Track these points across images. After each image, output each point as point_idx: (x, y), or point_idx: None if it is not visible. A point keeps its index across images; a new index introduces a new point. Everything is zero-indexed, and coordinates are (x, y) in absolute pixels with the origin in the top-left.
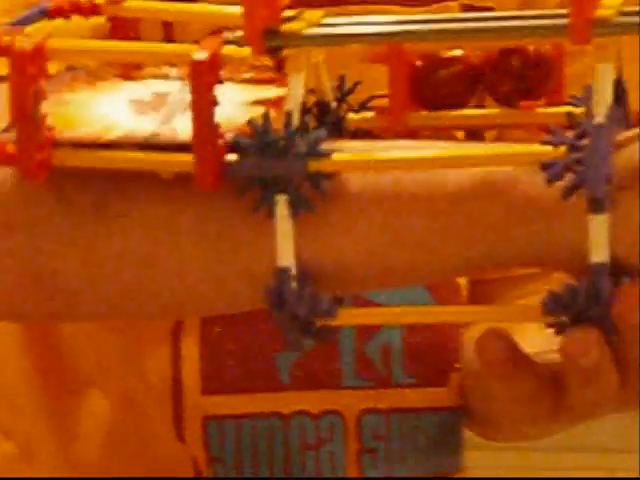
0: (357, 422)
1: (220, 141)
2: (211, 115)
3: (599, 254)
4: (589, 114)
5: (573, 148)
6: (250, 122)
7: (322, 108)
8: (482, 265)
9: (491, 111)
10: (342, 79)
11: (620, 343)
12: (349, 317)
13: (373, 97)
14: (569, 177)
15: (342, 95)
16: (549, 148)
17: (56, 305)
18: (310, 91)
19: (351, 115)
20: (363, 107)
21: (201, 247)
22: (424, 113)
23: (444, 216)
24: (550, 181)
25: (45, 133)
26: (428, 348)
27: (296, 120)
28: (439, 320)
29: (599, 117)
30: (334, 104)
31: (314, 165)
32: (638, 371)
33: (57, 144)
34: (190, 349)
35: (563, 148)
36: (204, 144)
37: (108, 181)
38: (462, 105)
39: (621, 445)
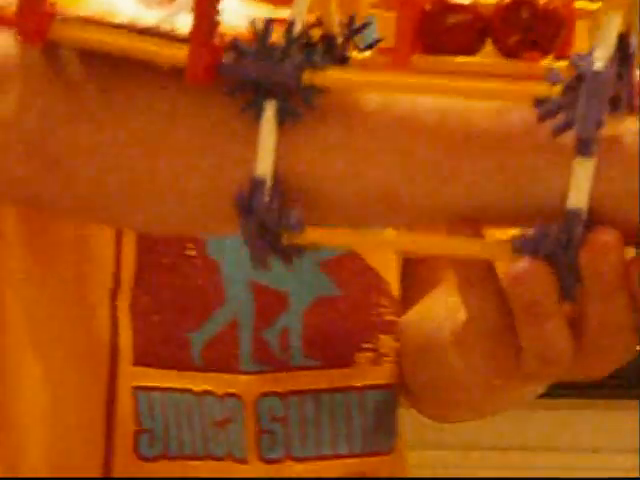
0: (254, 406)
1: (217, 38)
2: (213, 11)
3: (578, 199)
4: (590, 60)
5: (569, 88)
6: (252, 23)
7: (328, 43)
8: (486, 210)
9: (496, 60)
10: (352, 17)
11: (583, 299)
12: (316, 236)
13: (380, 40)
14: (560, 116)
15: (350, 33)
16: (544, 85)
17: (51, 176)
18: (318, 24)
19: (355, 54)
20: (369, 48)
21: (190, 145)
22: (429, 57)
23: (453, 148)
24: (541, 118)
25: (47, 3)
26: (330, 331)
27: (298, 29)
28: (402, 248)
29: (599, 63)
30: (340, 40)
31: (308, 76)
32: (597, 337)
33: (58, 17)
34: (125, 315)
35: (558, 87)
36: (200, 37)
37: (114, 68)
38: (467, 55)
39: (621, 445)
